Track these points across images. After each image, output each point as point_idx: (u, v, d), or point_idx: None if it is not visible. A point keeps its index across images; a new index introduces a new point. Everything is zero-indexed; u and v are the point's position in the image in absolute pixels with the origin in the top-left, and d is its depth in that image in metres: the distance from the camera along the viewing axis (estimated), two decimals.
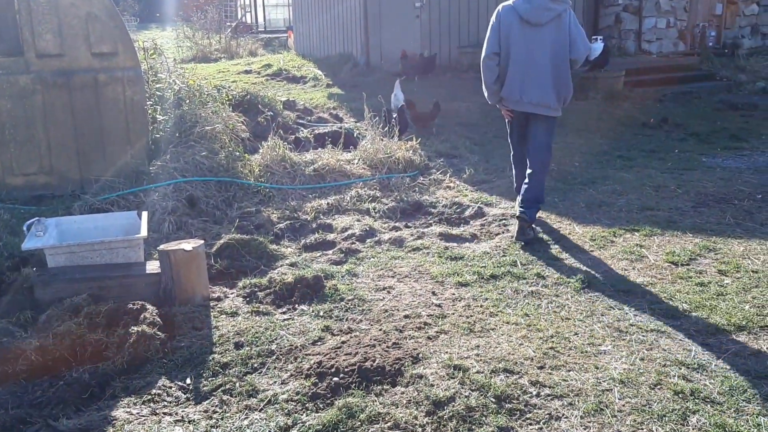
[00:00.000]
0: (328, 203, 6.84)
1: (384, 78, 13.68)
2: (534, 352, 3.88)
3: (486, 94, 5.90)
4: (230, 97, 9.14)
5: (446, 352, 3.85)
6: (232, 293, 4.86)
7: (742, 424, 3.15)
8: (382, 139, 8.58)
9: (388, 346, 3.86)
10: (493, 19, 5.76)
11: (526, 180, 5.88)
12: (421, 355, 3.80)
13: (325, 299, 4.66)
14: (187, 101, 7.76)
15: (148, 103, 7.85)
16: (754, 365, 3.72)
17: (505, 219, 6.48)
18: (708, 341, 4.02)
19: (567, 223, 6.36)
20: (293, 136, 8.62)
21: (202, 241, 4.79)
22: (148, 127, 7.21)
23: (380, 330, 4.17)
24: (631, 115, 11.93)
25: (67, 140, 6.87)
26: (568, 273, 5.12)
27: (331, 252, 5.64)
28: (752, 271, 5.06)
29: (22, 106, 6.65)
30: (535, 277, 5.04)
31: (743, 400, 3.36)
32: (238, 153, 7.34)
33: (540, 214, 6.57)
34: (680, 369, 3.67)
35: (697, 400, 3.35)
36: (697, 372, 3.65)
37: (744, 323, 4.21)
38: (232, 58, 22.26)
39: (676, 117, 11.67)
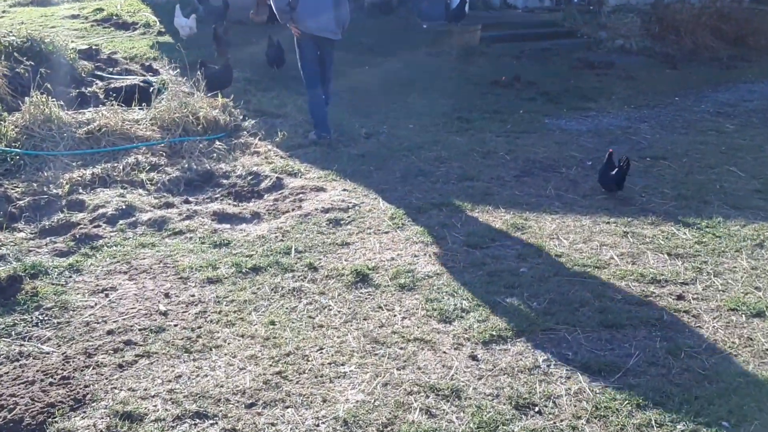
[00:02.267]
0: (93, 173, 5.68)
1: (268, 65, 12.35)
2: (253, 380, 3.00)
3: (278, 16, 6.84)
4: (7, 44, 7.63)
5: (129, 389, 2.89)
6: None
7: None
8: (188, 95, 7.42)
9: (52, 383, 2.87)
10: None
11: (323, 93, 7.13)
12: (90, 396, 2.83)
13: (14, 308, 3.58)
14: None
15: None
16: (519, 387, 3.00)
17: (303, 192, 5.57)
18: (477, 352, 3.28)
19: (373, 197, 5.52)
20: (76, 91, 7.27)
21: None
22: None
23: (63, 355, 3.16)
24: (484, 73, 11.25)
25: None
26: (347, 263, 4.27)
27: (61, 239, 4.52)
28: (555, 255, 4.41)
29: None
30: (306, 269, 4.16)
31: None
32: None
33: (346, 186, 5.74)
34: (427, 398, 2.90)
35: None
36: (448, 401, 2.89)
37: (526, 326, 3.51)
38: (77, 1, 19.98)
39: (530, 75, 11.09)
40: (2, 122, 6.09)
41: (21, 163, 5.76)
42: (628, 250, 4.50)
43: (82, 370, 3.00)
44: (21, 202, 5.12)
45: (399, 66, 11.42)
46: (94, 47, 9.55)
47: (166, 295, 3.78)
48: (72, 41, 11.16)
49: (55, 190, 5.36)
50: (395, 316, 3.62)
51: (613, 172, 5.54)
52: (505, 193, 5.67)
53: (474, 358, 3.23)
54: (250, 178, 5.86)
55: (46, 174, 5.61)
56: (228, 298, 3.77)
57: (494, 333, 3.43)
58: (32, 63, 7.00)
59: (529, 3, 17.08)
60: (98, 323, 3.46)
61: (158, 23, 13.14)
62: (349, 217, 5.05)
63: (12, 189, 5.26)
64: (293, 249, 4.43)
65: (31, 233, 4.73)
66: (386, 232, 4.80)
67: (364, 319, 3.58)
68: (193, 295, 3.79)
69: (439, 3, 14.18)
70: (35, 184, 5.39)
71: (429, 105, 9.03)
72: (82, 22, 13.73)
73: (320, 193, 5.55)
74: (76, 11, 15.06)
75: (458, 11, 12.64)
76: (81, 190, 5.42)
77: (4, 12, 16.21)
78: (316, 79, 7.06)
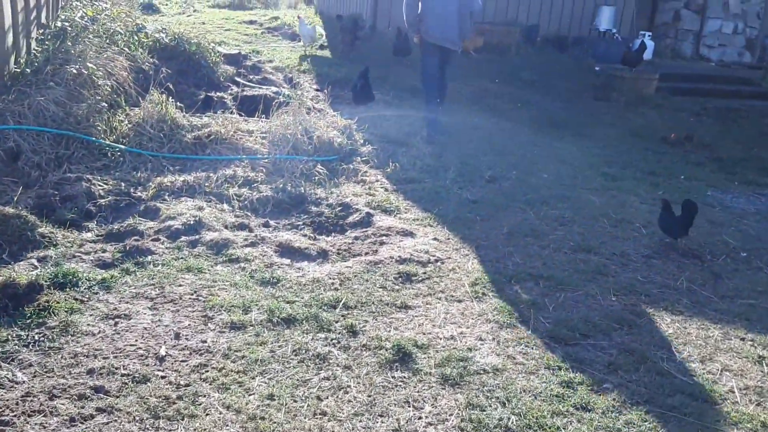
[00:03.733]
0: (184, 181, 5.47)
1: (384, 46, 12.12)
2: None
3: (407, 26, 7.89)
4: (153, 40, 7.80)
5: None
6: None
7: None
8: (311, 111, 7.14)
9: None
10: None
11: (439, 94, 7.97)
12: None
13: (17, 321, 3.30)
14: (72, 35, 6.45)
15: (36, 31, 6.62)
16: None
17: (388, 234, 4.99)
18: None
19: (463, 253, 4.81)
20: (203, 95, 7.23)
21: None
22: (5, 56, 5.94)
23: (27, 390, 2.80)
24: (652, 127, 10.07)
25: None
26: (394, 332, 3.61)
27: (112, 248, 4.27)
28: (657, 373, 3.45)
29: None
30: (344, 332, 3.56)
31: None
32: (104, 104, 6.01)
33: (439, 234, 5.10)
34: None
35: None
36: None
37: None
38: (268, 8, 20.96)
39: (706, 136, 9.76)
40: (115, 116, 6.08)
41: (121, 159, 5.69)
42: (758, 383, 3.44)
43: (29, 416, 2.61)
44: (102, 200, 4.99)
45: (557, 106, 10.55)
46: (243, 53, 9.60)
47: (177, 336, 3.34)
48: (238, 45, 11.49)
49: (140, 193, 5.19)
50: (419, 418, 2.91)
51: (677, 217, 5.28)
52: (624, 275, 4.72)
53: None
54: (339, 209, 5.37)
55: (139, 174, 5.49)
56: (240, 353, 3.25)
57: None
58: (156, 62, 7.02)
59: (726, 57, 15.31)
60: (87, 357, 3.08)
61: (324, 37, 13.21)
62: (424, 273, 4.39)
63: (99, 185, 5.15)
64: (342, 303, 3.84)
65: (96, 236, 4.54)
66: (459, 301, 4.07)
67: (380, 415, 2.91)
68: (204, 341, 3.32)
69: (618, 45, 13.07)
70: (123, 184, 5.26)
71: (576, 153, 8.13)
72: (256, 29, 14.16)
73: (406, 239, 4.93)
74: (255, 17, 15.63)
75: (635, 56, 11.49)
76: (165, 197, 5.21)
77: (195, 11, 17.24)
78: (433, 84, 7.89)
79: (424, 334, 3.63)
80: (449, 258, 4.70)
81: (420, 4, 7.56)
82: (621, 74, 11.40)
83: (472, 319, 3.88)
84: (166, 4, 18.22)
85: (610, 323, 3.97)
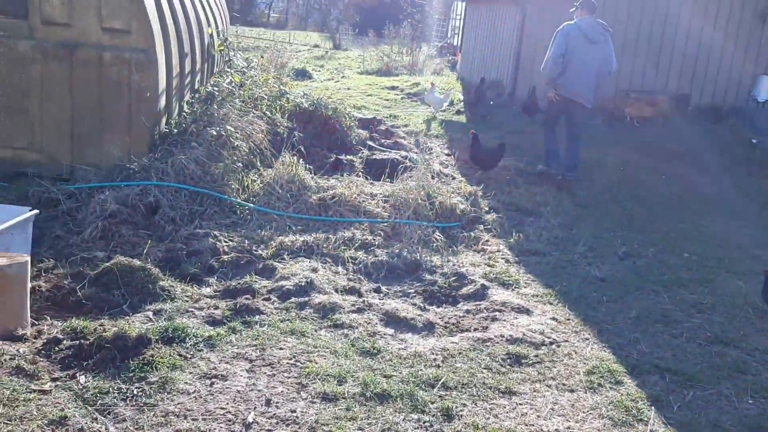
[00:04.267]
0: (304, 241, 5.56)
1: (522, 113, 11.97)
2: None
3: (546, 79, 8.15)
4: (294, 105, 8.17)
5: None
6: (40, 338, 3.78)
7: None
8: (434, 176, 7.11)
9: None
10: (560, 30, 7.88)
11: (567, 149, 8.26)
12: None
13: (120, 374, 3.41)
14: (219, 99, 6.90)
15: (189, 95, 7.15)
16: None
17: (502, 310, 4.75)
18: None
19: (583, 336, 4.48)
20: (334, 157, 7.41)
21: (27, 258, 3.78)
22: (157, 118, 6.44)
23: None
24: None
25: (62, 119, 6.31)
26: (494, 421, 3.36)
27: (224, 305, 4.36)
28: None
29: (18, 73, 6.19)
30: (438, 415, 3.36)
31: None
32: (240, 164, 6.31)
33: (558, 313, 4.79)
34: None
35: None
36: None
37: None
38: (412, 74, 21.59)
39: None
40: (248, 176, 6.35)
41: (249, 217, 5.91)
42: None
43: None
44: (225, 256, 5.16)
45: (706, 181, 9.82)
46: (378, 117, 9.82)
47: (267, 402, 3.30)
48: (377, 110, 11.82)
49: (260, 251, 5.33)
50: None
51: None
52: (766, 374, 4.18)
53: None
54: (453, 279, 5.21)
55: (263, 233, 5.65)
56: (327, 427, 3.15)
57: None
58: (292, 125, 7.29)
59: None
60: (177, 416, 3.11)
61: (461, 102, 13.30)
62: (536, 356, 4.10)
63: (224, 241, 5.35)
64: (441, 382, 3.65)
65: (214, 291, 4.68)
66: (571, 391, 3.75)
67: None
68: (293, 411, 3.26)
69: None
70: (247, 241, 5.43)
71: (724, 233, 7.46)
72: (397, 94, 14.53)
73: (521, 316, 4.67)
74: (398, 83, 16.07)
75: None
76: (284, 256, 5.31)
77: (342, 77, 18.03)
78: (554, 131, 8.43)
79: (526, 425, 3.36)
80: (566, 341, 4.38)
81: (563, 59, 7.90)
82: None
83: (584, 412, 3.54)
84: (318, 71, 19.22)
85: (743, 430, 3.48)
